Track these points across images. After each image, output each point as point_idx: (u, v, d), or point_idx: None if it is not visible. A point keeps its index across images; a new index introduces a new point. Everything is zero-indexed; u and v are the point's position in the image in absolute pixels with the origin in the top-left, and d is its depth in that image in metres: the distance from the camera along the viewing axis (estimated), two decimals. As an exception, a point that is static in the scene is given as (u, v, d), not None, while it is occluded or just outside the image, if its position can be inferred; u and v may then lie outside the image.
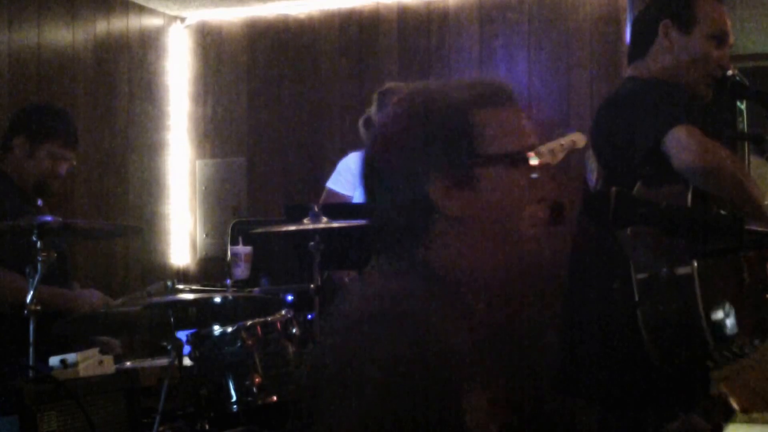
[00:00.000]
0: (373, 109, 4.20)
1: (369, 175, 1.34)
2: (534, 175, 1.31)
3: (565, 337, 2.60)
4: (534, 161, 1.31)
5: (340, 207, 4.08)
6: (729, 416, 1.37)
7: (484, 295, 1.34)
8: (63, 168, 3.50)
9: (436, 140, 1.28)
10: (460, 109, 1.30)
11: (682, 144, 2.24)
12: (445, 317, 1.21)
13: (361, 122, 4.18)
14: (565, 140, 3.86)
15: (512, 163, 1.30)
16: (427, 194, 1.27)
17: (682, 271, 2.16)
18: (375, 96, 4.18)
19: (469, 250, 1.29)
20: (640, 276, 2.24)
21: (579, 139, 3.88)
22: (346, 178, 4.38)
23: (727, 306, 2.06)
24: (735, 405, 1.37)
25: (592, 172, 2.54)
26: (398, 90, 4.17)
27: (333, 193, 4.34)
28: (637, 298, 2.23)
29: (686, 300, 2.15)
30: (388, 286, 1.26)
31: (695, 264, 2.14)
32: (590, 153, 2.60)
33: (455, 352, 1.17)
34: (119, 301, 3.51)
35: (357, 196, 4.32)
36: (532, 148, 1.32)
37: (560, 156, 3.80)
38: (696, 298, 2.14)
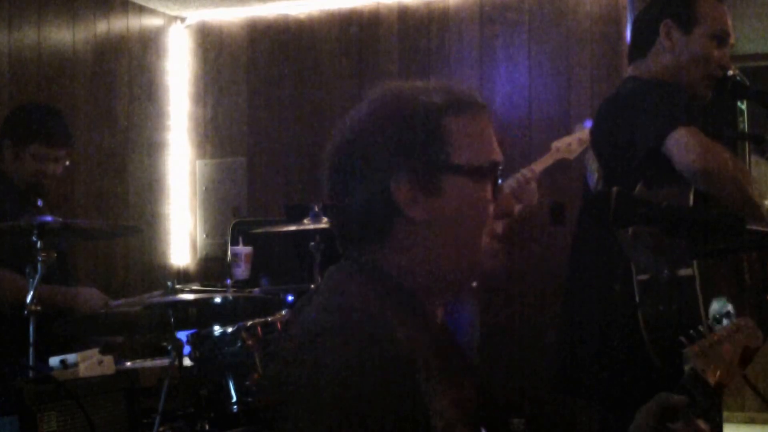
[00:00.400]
0: None
1: (334, 172, 1.33)
2: (497, 192, 1.31)
3: (564, 337, 2.60)
4: (498, 178, 1.32)
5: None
6: (705, 392, 1.37)
7: (440, 301, 1.34)
8: (52, 168, 3.46)
9: (404, 142, 1.27)
10: (433, 113, 1.29)
11: (684, 145, 2.23)
12: (400, 324, 1.20)
13: None
14: (582, 134, 3.85)
15: (481, 175, 1.30)
16: (390, 195, 1.27)
17: (683, 272, 2.16)
18: None
19: (427, 255, 1.29)
20: (641, 277, 2.23)
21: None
22: None
23: (727, 303, 2.06)
24: (710, 380, 1.37)
25: (593, 173, 2.54)
26: None
27: None
28: (637, 299, 2.23)
29: (687, 301, 2.15)
30: (343, 298, 1.25)
31: (696, 265, 2.14)
32: (590, 153, 2.60)
33: (410, 357, 1.16)
34: (117, 303, 3.51)
35: None
36: (498, 163, 1.32)
37: (578, 151, 3.80)
38: (697, 299, 2.13)
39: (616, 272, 2.33)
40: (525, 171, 3.91)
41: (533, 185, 3.91)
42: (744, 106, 4.25)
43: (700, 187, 2.22)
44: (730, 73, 2.50)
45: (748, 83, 2.56)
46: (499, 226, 1.33)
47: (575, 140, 3.85)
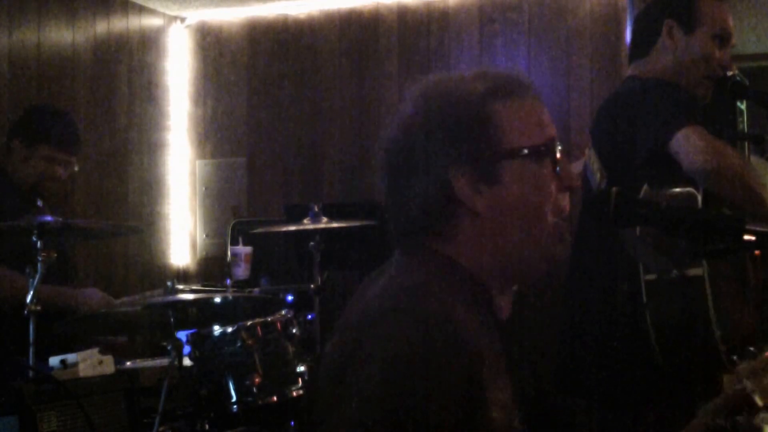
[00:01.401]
0: None
1: (390, 171, 1.32)
2: (557, 167, 1.30)
3: (565, 336, 2.60)
4: (558, 152, 1.30)
5: (356, 207, 4.09)
6: (751, 412, 1.37)
7: (508, 290, 1.33)
8: (60, 171, 3.47)
9: (456, 134, 1.26)
10: (477, 101, 1.28)
11: (690, 145, 2.22)
12: (469, 313, 1.19)
13: None
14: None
15: (538, 155, 1.28)
16: (451, 190, 1.26)
17: (692, 272, 2.15)
18: None
19: (495, 245, 1.27)
20: (649, 277, 2.23)
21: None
22: None
23: None
24: (759, 401, 1.37)
25: (594, 173, 2.53)
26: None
27: None
28: (644, 300, 2.22)
29: (696, 301, 2.14)
30: (412, 280, 1.23)
31: (706, 266, 2.14)
32: (591, 153, 2.59)
33: (477, 350, 1.15)
34: (119, 302, 3.51)
35: None
36: (553, 138, 1.30)
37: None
38: (707, 299, 2.13)
39: (621, 272, 2.32)
40: None
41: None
42: (744, 107, 4.25)
43: (709, 187, 2.21)
44: (730, 73, 2.50)
45: (747, 83, 2.56)
46: (564, 202, 1.31)
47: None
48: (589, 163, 2.61)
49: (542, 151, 1.29)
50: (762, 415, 1.37)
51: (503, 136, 1.27)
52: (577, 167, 3.82)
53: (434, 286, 1.22)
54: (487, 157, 1.26)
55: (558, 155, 1.30)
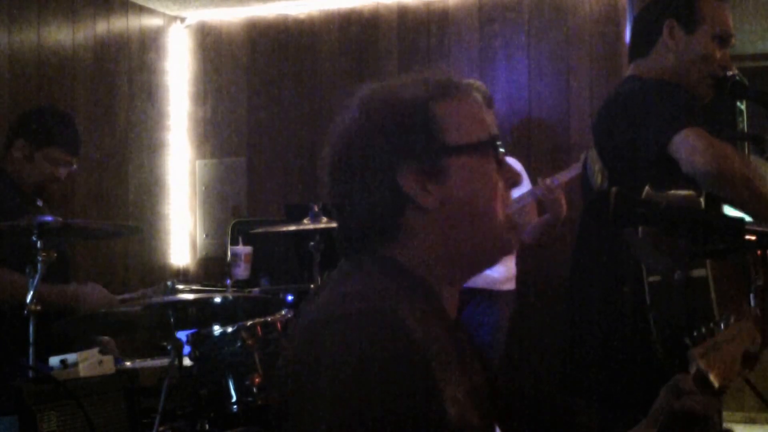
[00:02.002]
0: None
1: (334, 178, 1.34)
2: (502, 163, 1.34)
3: (567, 337, 2.60)
4: (500, 150, 1.34)
5: None
6: (707, 392, 1.38)
7: (454, 286, 1.34)
8: (63, 172, 3.49)
9: (398, 134, 1.29)
10: (419, 102, 1.31)
11: (691, 147, 2.22)
12: (414, 312, 1.20)
13: None
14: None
15: (482, 151, 1.32)
16: (399, 188, 1.28)
17: (696, 273, 2.15)
18: None
19: (446, 241, 1.30)
20: (652, 279, 2.22)
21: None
22: None
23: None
24: (714, 381, 1.38)
25: (595, 174, 2.52)
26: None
27: None
28: (648, 301, 2.21)
29: (701, 302, 2.14)
30: (355, 287, 1.25)
31: (709, 266, 2.13)
32: (592, 153, 2.59)
33: (424, 346, 1.16)
34: (119, 298, 3.51)
35: None
36: (496, 137, 1.34)
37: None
38: (711, 300, 2.13)
39: (624, 273, 2.32)
40: (548, 181, 3.90)
41: (560, 196, 3.90)
42: (743, 107, 4.25)
43: (711, 189, 2.21)
44: (730, 73, 2.50)
45: (747, 83, 2.56)
46: (509, 198, 1.35)
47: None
48: (589, 163, 2.60)
49: (486, 147, 1.32)
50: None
51: (447, 134, 1.30)
52: (573, 172, 3.83)
53: (377, 288, 1.23)
54: (432, 155, 1.29)
55: (500, 152, 1.34)
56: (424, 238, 1.29)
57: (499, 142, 1.34)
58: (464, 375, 1.24)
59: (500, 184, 1.33)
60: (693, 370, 1.39)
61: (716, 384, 1.37)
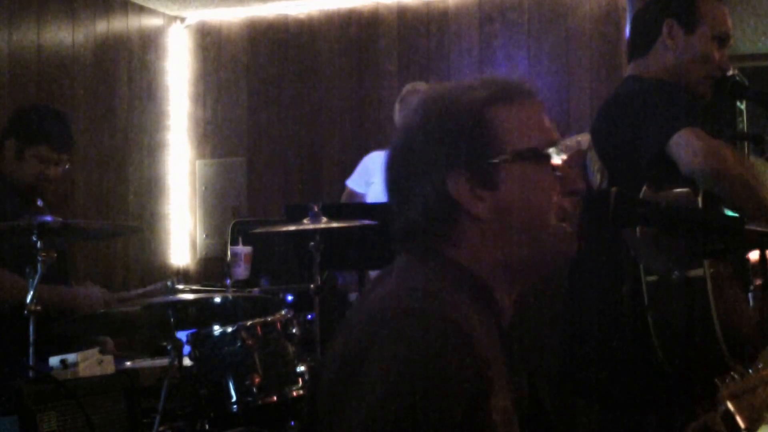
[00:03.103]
0: (396, 112, 4.24)
1: (392, 179, 1.33)
2: (558, 171, 1.30)
3: (566, 336, 2.60)
4: (558, 157, 1.31)
5: (356, 207, 4.10)
6: (735, 431, 1.38)
7: (511, 294, 1.33)
8: (54, 171, 3.45)
9: (453, 139, 1.27)
10: (475, 107, 1.28)
11: (688, 147, 2.22)
12: (473, 317, 1.19)
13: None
14: (570, 141, 3.84)
15: (535, 159, 1.29)
16: (450, 195, 1.26)
17: (693, 273, 2.15)
18: (398, 99, 4.23)
19: (496, 250, 1.28)
20: (650, 278, 2.22)
21: (585, 140, 3.87)
22: (362, 176, 4.43)
23: None
24: (741, 423, 1.38)
25: (596, 173, 2.52)
26: (418, 91, 4.21)
27: (350, 192, 4.39)
28: (646, 301, 2.22)
29: (699, 303, 2.14)
30: (416, 282, 1.24)
31: (708, 266, 2.13)
32: (592, 153, 2.59)
33: (482, 350, 1.15)
34: (117, 296, 3.51)
35: (370, 194, 4.35)
36: (554, 143, 1.31)
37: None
38: (709, 300, 2.13)
39: (623, 273, 2.32)
40: None
41: None
42: (743, 107, 4.25)
43: (708, 188, 2.21)
44: (730, 73, 2.50)
45: (747, 83, 2.56)
46: (568, 205, 1.32)
47: (562, 145, 3.85)
48: (589, 163, 2.60)
49: (541, 155, 1.29)
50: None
51: (501, 141, 1.28)
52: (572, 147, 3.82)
53: (441, 288, 1.22)
54: (485, 162, 1.27)
55: (558, 159, 1.31)
56: (479, 244, 1.28)
57: (555, 149, 1.31)
58: (510, 384, 1.23)
59: (555, 193, 1.29)
60: (721, 411, 1.39)
61: (743, 426, 1.38)
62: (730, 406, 1.39)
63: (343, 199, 4.40)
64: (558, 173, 1.30)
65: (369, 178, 4.40)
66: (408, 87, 4.28)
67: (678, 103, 2.35)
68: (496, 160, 1.27)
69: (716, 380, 1.44)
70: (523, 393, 1.28)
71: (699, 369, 2.22)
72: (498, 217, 1.27)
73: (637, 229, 2.02)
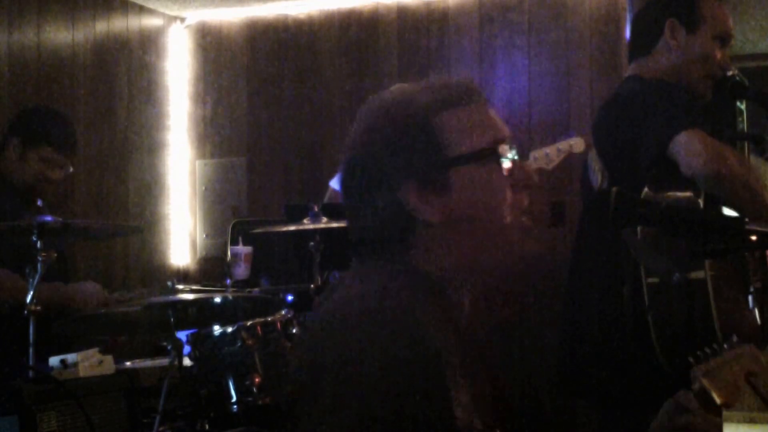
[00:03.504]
0: None
1: (345, 188, 1.34)
2: (507, 166, 1.32)
3: (566, 337, 2.59)
4: (508, 156, 1.32)
5: (340, 207, 4.09)
6: (710, 410, 1.39)
7: (469, 293, 1.34)
8: (56, 173, 3.45)
9: (402, 151, 1.28)
10: (421, 113, 1.29)
11: (690, 149, 2.22)
12: (429, 314, 1.20)
13: None
14: (562, 144, 3.85)
15: (483, 158, 1.30)
16: (402, 203, 1.27)
17: (694, 275, 2.15)
18: None
19: (453, 251, 1.29)
20: (651, 280, 2.22)
21: (577, 143, 3.87)
22: None
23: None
24: (716, 399, 1.38)
25: (596, 173, 2.52)
26: None
27: (334, 192, 4.38)
28: (647, 302, 2.21)
29: (699, 304, 2.14)
30: (371, 285, 1.25)
31: (708, 268, 2.13)
32: (593, 153, 2.58)
33: (440, 349, 1.16)
34: (114, 295, 3.51)
35: None
36: (503, 140, 1.32)
37: (556, 161, 3.80)
38: (709, 302, 2.13)
39: (623, 274, 2.31)
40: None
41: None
42: (743, 107, 4.25)
43: (710, 191, 2.21)
44: (730, 73, 2.50)
45: (747, 83, 2.56)
46: (524, 200, 1.32)
47: (554, 150, 3.84)
48: (590, 163, 2.60)
49: (487, 154, 1.30)
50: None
51: (446, 146, 1.28)
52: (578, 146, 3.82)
53: (395, 289, 1.23)
54: (433, 168, 1.27)
55: (507, 155, 1.32)
56: (434, 248, 1.28)
57: (502, 146, 1.32)
58: (469, 380, 1.24)
59: (508, 189, 1.30)
60: (696, 387, 1.40)
61: (718, 401, 1.38)
62: (704, 382, 1.39)
63: (326, 199, 4.38)
64: (508, 169, 1.32)
65: None
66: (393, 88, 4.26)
67: (679, 104, 2.35)
68: (444, 165, 1.27)
69: (690, 358, 1.45)
70: (485, 390, 1.28)
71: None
72: (451, 221, 1.28)
73: (638, 230, 2.02)
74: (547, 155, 3.78)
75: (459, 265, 1.29)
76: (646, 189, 2.23)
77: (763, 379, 1.47)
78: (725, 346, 1.48)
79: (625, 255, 2.28)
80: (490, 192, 1.29)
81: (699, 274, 2.16)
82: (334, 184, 4.47)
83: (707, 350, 1.45)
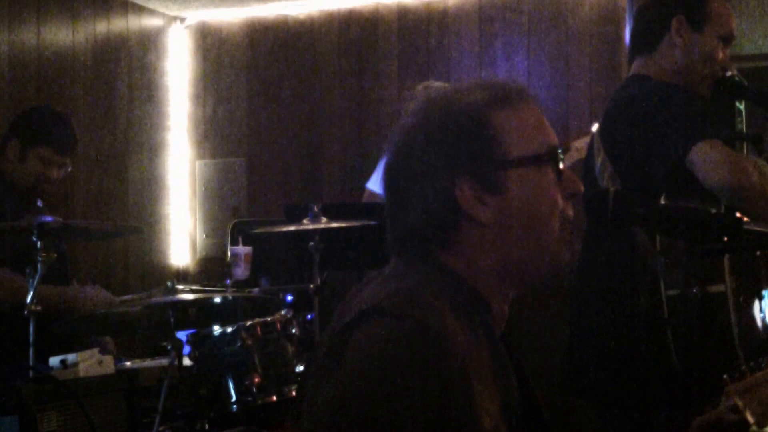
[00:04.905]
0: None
1: (391, 181, 1.32)
2: (563, 174, 1.30)
3: (575, 341, 2.55)
4: (563, 161, 1.30)
5: (356, 207, 4.10)
6: (743, 429, 1.38)
7: (504, 299, 1.32)
8: (56, 173, 3.46)
9: (456, 143, 1.26)
10: (478, 111, 1.27)
11: (710, 160, 2.19)
12: (459, 320, 1.19)
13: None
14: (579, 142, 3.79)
15: (540, 162, 1.28)
16: (454, 200, 1.25)
17: (714, 288, 2.13)
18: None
19: (501, 255, 1.27)
20: (671, 292, 2.20)
21: (582, 145, 3.83)
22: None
23: None
24: (750, 418, 1.37)
25: (606, 180, 2.45)
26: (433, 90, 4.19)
27: (371, 193, 4.37)
28: (666, 315, 2.19)
29: (719, 318, 2.12)
30: (403, 287, 1.23)
31: (729, 281, 2.12)
32: (602, 157, 2.50)
33: (466, 357, 1.15)
34: (123, 298, 3.52)
35: None
36: (556, 147, 1.30)
37: (584, 154, 3.77)
38: (729, 315, 2.11)
39: (639, 285, 2.28)
40: None
41: None
42: (742, 107, 4.25)
43: (729, 202, 2.18)
44: (729, 73, 2.49)
45: (746, 83, 2.55)
46: (569, 210, 1.31)
47: (581, 143, 3.78)
48: (599, 168, 2.53)
49: (544, 159, 1.28)
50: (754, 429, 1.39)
51: (504, 145, 1.27)
52: (571, 159, 3.79)
53: (424, 291, 1.21)
54: (490, 167, 1.26)
55: (559, 163, 1.30)
56: (479, 249, 1.27)
57: (559, 152, 1.31)
58: (499, 388, 1.23)
59: (559, 197, 1.29)
60: (729, 405, 1.39)
61: (751, 421, 1.37)
62: (738, 401, 1.38)
63: (363, 200, 4.37)
64: (560, 177, 1.30)
65: None
66: (422, 84, 4.26)
67: (696, 112, 2.31)
68: (501, 165, 1.26)
69: (725, 376, 1.43)
70: (513, 400, 1.27)
71: (718, 382, 2.21)
72: (502, 222, 1.26)
73: (657, 242, 2.01)
74: (579, 150, 3.75)
75: (499, 268, 1.27)
76: (662, 198, 2.20)
77: None
78: (762, 364, 1.46)
79: (641, 265, 2.26)
80: (545, 199, 1.28)
81: (719, 288, 2.14)
82: (372, 185, 4.46)
83: (743, 368, 1.44)
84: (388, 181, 1.33)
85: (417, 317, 1.15)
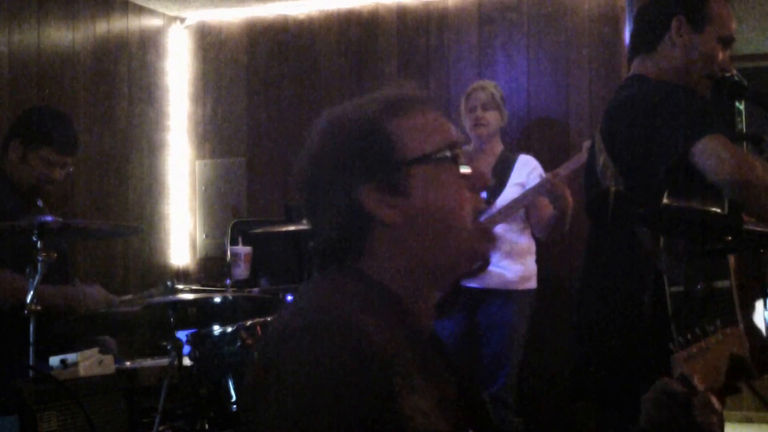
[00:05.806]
0: (462, 107, 4.23)
1: (306, 200, 1.37)
2: (465, 169, 1.34)
3: (579, 341, 2.54)
4: (461, 157, 1.34)
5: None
6: (693, 394, 1.38)
7: (425, 297, 1.35)
8: (57, 173, 3.47)
9: (353, 154, 1.31)
10: (372, 121, 1.32)
11: (714, 155, 2.18)
12: (379, 323, 1.21)
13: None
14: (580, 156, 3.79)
15: (438, 160, 1.32)
16: (361, 206, 1.29)
17: (720, 284, 2.13)
18: (463, 96, 4.21)
19: (414, 255, 1.31)
20: (675, 289, 2.20)
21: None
22: None
23: None
24: (697, 384, 1.38)
25: (609, 180, 2.45)
26: (485, 87, 4.20)
27: None
28: (670, 312, 2.19)
29: (724, 314, 2.12)
30: (318, 298, 1.27)
31: (733, 277, 2.12)
32: (604, 157, 2.50)
33: (388, 358, 1.17)
34: (125, 297, 3.52)
35: None
36: (455, 144, 1.34)
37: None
38: (735, 311, 2.11)
39: (643, 282, 2.28)
40: (549, 175, 3.84)
41: (563, 190, 3.80)
42: (742, 107, 4.25)
43: (734, 198, 2.17)
44: (729, 73, 2.49)
45: (746, 84, 2.55)
46: (480, 202, 1.35)
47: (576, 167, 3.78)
48: (601, 168, 2.52)
49: (443, 156, 1.32)
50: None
51: (401, 148, 1.31)
52: (574, 164, 3.79)
53: (340, 299, 1.25)
54: (390, 170, 1.30)
55: (461, 156, 1.34)
56: (392, 252, 1.30)
57: (460, 147, 1.35)
58: (432, 385, 1.24)
59: (465, 191, 1.33)
60: (676, 374, 1.40)
61: (700, 387, 1.38)
62: (685, 368, 1.39)
63: None
64: (464, 172, 1.34)
65: None
66: (474, 84, 4.28)
67: (698, 109, 2.31)
68: (400, 166, 1.30)
69: (670, 345, 1.44)
70: (451, 395, 1.28)
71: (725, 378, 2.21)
72: (410, 222, 1.30)
73: (661, 240, 2.01)
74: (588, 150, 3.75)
75: (415, 267, 1.31)
76: (665, 196, 2.20)
77: (750, 366, 1.47)
78: (708, 330, 1.47)
79: (644, 263, 2.26)
80: (450, 193, 1.31)
81: (724, 284, 2.14)
82: None
83: (689, 335, 1.45)
84: (302, 201, 1.39)
85: (338, 326, 1.18)
